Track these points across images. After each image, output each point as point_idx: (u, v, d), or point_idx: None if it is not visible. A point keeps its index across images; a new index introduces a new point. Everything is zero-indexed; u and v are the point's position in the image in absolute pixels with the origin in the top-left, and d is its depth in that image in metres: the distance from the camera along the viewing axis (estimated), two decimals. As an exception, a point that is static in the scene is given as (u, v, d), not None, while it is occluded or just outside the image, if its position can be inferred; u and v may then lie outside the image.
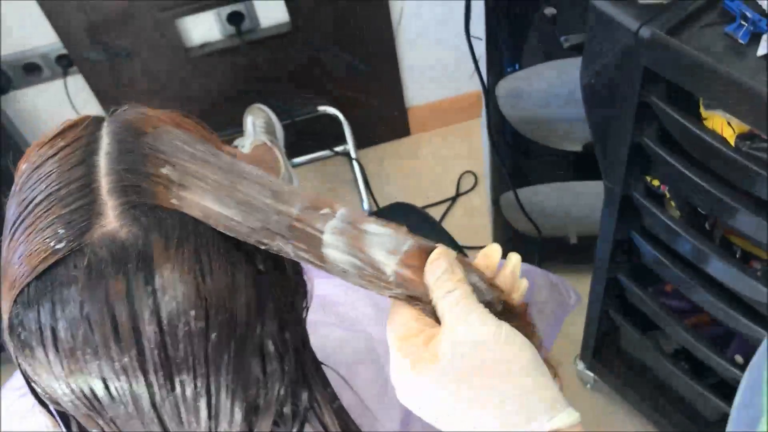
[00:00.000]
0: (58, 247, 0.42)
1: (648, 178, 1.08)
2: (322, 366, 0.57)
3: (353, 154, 2.08)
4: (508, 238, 1.79)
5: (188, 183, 0.45)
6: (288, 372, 0.50)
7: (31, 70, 1.83)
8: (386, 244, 0.45)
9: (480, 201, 2.07)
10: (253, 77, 1.93)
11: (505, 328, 0.44)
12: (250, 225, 0.45)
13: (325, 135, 2.12)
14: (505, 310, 0.49)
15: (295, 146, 1.99)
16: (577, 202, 1.66)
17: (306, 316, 0.55)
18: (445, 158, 2.18)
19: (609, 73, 0.95)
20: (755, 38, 0.80)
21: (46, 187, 0.44)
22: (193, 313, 0.43)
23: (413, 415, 0.66)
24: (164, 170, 0.45)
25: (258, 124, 1.83)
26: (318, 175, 2.19)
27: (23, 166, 0.47)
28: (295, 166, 2.07)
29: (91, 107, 1.92)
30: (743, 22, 0.83)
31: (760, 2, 0.81)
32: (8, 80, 1.83)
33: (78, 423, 0.52)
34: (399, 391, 0.46)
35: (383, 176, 2.17)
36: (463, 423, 0.43)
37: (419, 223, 1.15)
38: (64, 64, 1.81)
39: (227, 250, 0.45)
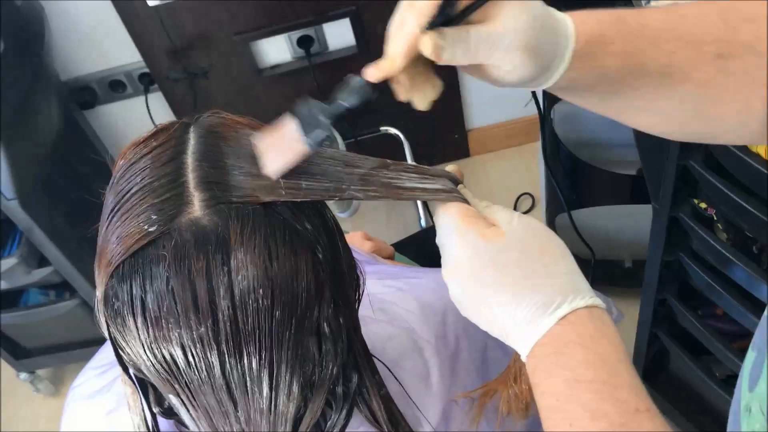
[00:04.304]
0: (150, 230, 0.50)
1: (696, 201, 1.11)
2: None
3: (413, 174, 2.13)
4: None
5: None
6: (340, 353, 0.56)
7: (115, 87, 1.97)
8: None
9: (537, 223, 2.10)
10: (321, 97, 2.01)
11: (547, 227, 0.54)
12: (323, 186, 0.53)
13: (387, 155, 2.17)
14: None
15: (357, 164, 2.07)
16: (632, 226, 1.68)
17: (359, 306, 0.62)
18: (503, 180, 2.22)
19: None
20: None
21: (141, 179, 0.52)
22: (261, 291, 0.49)
23: (453, 409, 0.71)
24: None
25: (322, 142, 1.91)
26: (378, 193, 2.25)
27: (120, 162, 0.55)
28: (356, 183, 2.13)
29: (169, 122, 2.05)
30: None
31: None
32: (94, 96, 1.98)
33: (154, 390, 0.59)
34: (458, 264, 0.53)
35: (442, 196, 2.22)
36: (516, 296, 0.50)
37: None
38: (146, 82, 1.95)
39: (292, 240, 0.52)
